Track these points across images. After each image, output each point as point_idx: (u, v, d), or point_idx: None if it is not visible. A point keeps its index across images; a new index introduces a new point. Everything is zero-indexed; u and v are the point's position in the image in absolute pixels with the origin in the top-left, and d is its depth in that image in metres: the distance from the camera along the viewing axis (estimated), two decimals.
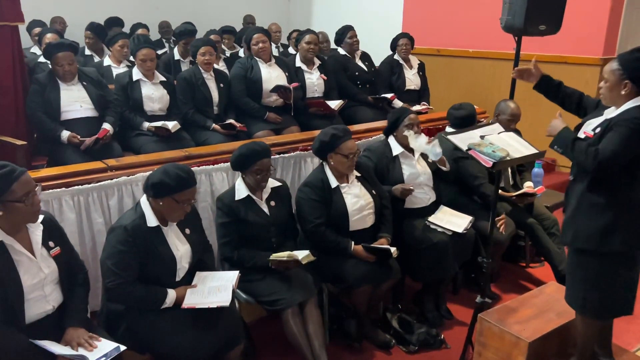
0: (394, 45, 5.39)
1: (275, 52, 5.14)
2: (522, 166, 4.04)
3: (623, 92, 2.35)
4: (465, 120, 3.77)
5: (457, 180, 3.70)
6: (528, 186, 3.91)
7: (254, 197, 2.98)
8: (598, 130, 2.42)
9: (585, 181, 2.42)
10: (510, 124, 3.66)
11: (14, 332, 2.10)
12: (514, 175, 3.99)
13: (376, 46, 5.79)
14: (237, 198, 2.94)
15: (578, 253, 2.50)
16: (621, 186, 2.36)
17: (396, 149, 3.47)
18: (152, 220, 2.49)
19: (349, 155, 3.08)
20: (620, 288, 2.46)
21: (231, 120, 4.18)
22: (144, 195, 2.54)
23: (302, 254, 2.85)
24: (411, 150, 3.46)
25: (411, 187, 3.34)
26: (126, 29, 6.54)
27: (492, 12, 4.77)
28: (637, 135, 2.27)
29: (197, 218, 2.79)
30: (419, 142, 3.27)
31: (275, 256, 2.85)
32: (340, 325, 3.25)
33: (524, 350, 2.65)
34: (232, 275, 2.67)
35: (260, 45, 4.44)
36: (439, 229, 3.32)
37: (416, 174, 3.45)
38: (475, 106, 3.97)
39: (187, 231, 2.64)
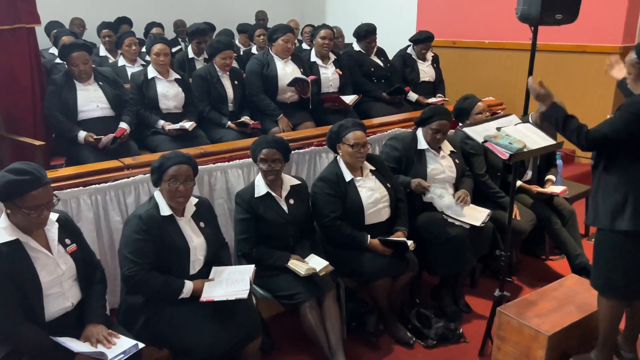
0: (414, 42, 5.31)
1: None
2: (550, 164, 4.03)
3: None
4: (461, 112, 3.84)
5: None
6: (549, 179, 3.89)
7: (274, 194, 2.98)
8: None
9: (602, 164, 2.49)
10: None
11: (35, 327, 2.14)
12: (539, 170, 3.95)
13: (391, 40, 5.75)
14: (256, 195, 2.95)
15: (599, 233, 2.55)
16: (631, 166, 2.41)
17: (422, 143, 3.44)
18: (165, 210, 2.53)
19: (354, 145, 3.06)
20: (635, 269, 2.47)
21: (244, 119, 4.19)
22: (158, 189, 2.58)
23: (320, 265, 2.86)
24: (436, 148, 3.44)
25: (427, 185, 3.34)
26: (141, 28, 6.59)
27: (507, 2, 4.71)
28: (634, 118, 2.33)
29: (211, 213, 2.80)
30: (445, 202, 3.34)
31: (293, 266, 2.85)
32: (358, 320, 3.25)
33: (543, 344, 2.62)
34: (249, 268, 2.69)
35: (289, 45, 4.43)
36: (457, 222, 3.30)
37: (439, 170, 3.43)
38: (491, 97, 3.94)
39: (202, 224, 2.67)
